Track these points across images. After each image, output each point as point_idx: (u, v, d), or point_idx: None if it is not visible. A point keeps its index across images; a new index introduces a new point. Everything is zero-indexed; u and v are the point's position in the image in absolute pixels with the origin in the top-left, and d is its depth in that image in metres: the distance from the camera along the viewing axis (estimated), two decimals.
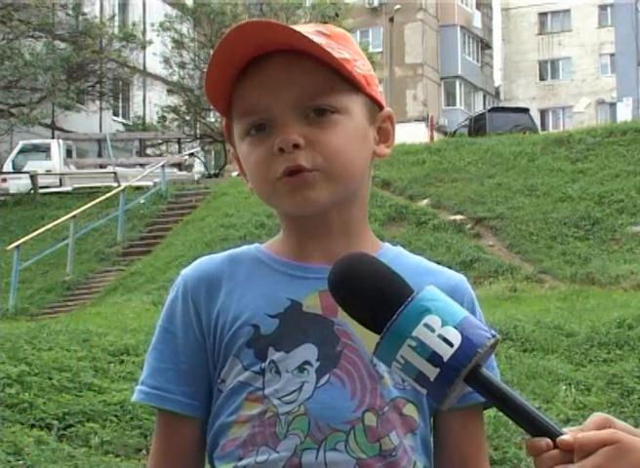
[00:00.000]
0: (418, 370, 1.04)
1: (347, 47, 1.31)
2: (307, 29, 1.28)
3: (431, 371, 1.04)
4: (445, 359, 1.03)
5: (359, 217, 1.35)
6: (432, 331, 1.04)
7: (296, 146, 1.24)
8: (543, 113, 52.22)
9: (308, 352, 1.28)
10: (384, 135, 1.35)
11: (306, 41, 1.22)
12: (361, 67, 1.31)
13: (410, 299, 1.06)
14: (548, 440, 1.04)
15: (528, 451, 1.06)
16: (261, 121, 1.27)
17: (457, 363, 1.03)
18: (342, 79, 1.27)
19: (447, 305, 1.07)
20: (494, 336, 1.06)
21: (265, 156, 1.27)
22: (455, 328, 1.05)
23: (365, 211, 1.37)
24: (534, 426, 1.05)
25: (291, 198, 1.27)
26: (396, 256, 1.37)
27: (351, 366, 1.28)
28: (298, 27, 1.27)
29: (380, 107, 1.34)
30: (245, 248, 1.39)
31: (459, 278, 1.39)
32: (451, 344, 1.04)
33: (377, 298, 1.07)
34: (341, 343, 1.28)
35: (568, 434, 1.04)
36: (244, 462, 1.27)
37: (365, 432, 1.26)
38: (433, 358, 1.04)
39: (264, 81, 1.26)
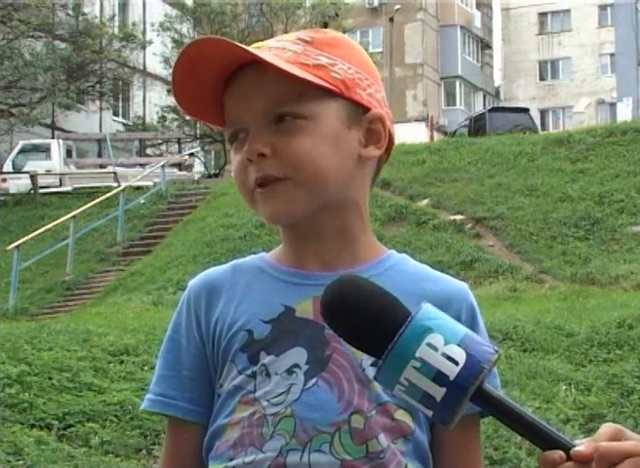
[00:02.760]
0: (423, 392, 1.02)
1: (330, 52, 1.31)
2: (289, 38, 1.32)
3: (438, 392, 1.02)
4: (451, 378, 1.01)
5: (356, 224, 1.35)
6: (436, 350, 1.02)
7: (262, 155, 1.27)
8: (543, 113, 52.23)
9: (298, 355, 1.29)
10: (375, 136, 1.34)
11: (256, 57, 1.24)
12: (340, 72, 1.30)
13: (409, 319, 1.03)
14: (561, 452, 1.02)
15: (540, 466, 1.04)
16: (238, 131, 1.31)
17: (463, 381, 1.01)
18: (312, 85, 1.28)
19: (447, 323, 1.05)
20: (496, 351, 1.05)
21: (240, 166, 1.31)
22: (458, 345, 1.03)
23: (363, 216, 1.37)
24: (544, 439, 1.03)
25: (264, 209, 1.30)
26: (397, 264, 1.37)
27: (340, 369, 1.29)
28: (282, 36, 1.32)
29: (367, 109, 1.33)
30: (249, 257, 1.43)
31: (459, 285, 1.38)
32: (456, 363, 1.01)
33: (371, 323, 1.06)
34: (331, 347, 1.29)
35: (581, 445, 1.02)
36: (234, 462, 1.29)
37: (351, 434, 1.26)
38: (439, 378, 1.01)
39: (238, 92, 1.30)
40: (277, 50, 1.30)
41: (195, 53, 1.26)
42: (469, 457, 1.36)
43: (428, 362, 1.02)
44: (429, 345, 1.02)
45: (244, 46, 1.25)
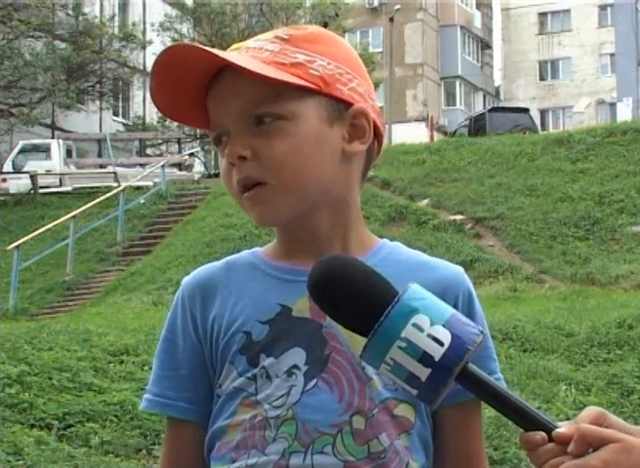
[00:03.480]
0: (408, 372, 1.03)
1: (308, 48, 1.30)
2: (266, 37, 1.31)
3: (423, 372, 1.03)
4: (436, 358, 1.02)
5: (347, 219, 1.34)
6: (421, 330, 1.03)
7: (243, 158, 1.26)
8: (543, 113, 52.22)
9: (297, 356, 1.29)
10: (359, 131, 1.32)
11: (228, 62, 1.24)
12: (319, 69, 1.29)
13: (396, 300, 1.04)
14: (543, 433, 1.04)
15: (522, 446, 1.06)
16: (221, 134, 1.31)
17: (448, 362, 1.02)
18: (290, 85, 1.26)
19: (434, 303, 1.06)
20: (482, 333, 1.06)
21: (225, 170, 1.30)
22: (443, 326, 1.03)
23: (354, 211, 1.35)
24: (527, 420, 1.05)
25: (251, 214, 1.30)
26: (390, 253, 1.37)
27: (339, 369, 1.29)
28: (260, 36, 1.31)
29: (350, 104, 1.32)
30: (243, 253, 1.42)
31: (455, 271, 1.37)
32: (441, 343, 1.02)
33: (358, 301, 1.06)
34: (330, 346, 1.29)
35: (563, 427, 1.04)
36: (236, 465, 1.29)
37: (352, 435, 1.26)
38: (424, 358, 1.02)
39: (218, 95, 1.30)
40: (255, 50, 1.28)
41: (171, 59, 1.25)
42: (471, 442, 1.37)
43: (414, 342, 1.03)
44: (415, 326, 1.03)
45: (214, 51, 1.24)
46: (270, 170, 1.26)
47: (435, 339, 1.03)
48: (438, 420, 1.35)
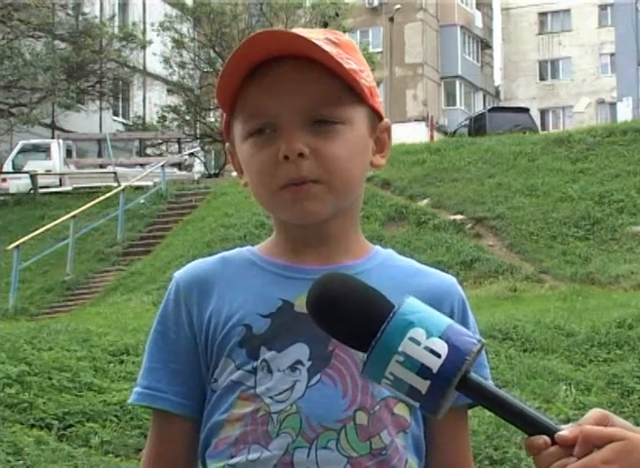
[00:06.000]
0: (408, 385, 1.04)
1: (354, 57, 1.32)
2: (317, 36, 1.30)
3: (422, 385, 1.04)
4: (434, 370, 1.03)
5: (352, 224, 1.38)
6: (418, 344, 1.04)
7: (300, 155, 1.26)
8: (543, 113, 52.21)
9: (300, 351, 1.29)
10: (380, 145, 1.37)
11: (321, 52, 1.24)
12: (367, 78, 1.32)
13: (392, 315, 1.05)
14: (546, 437, 1.04)
15: (527, 450, 1.06)
16: (266, 125, 1.28)
17: (446, 373, 1.03)
18: (349, 90, 1.29)
19: (429, 316, 1.06)
20: (479, 341, 1.06)
21: (269, 162, 1.28)
22: (440, 338, 1.04)
23: (357, 217, 1.40)
24: (529, 425, 1.05)
25: (291, 208, 1.29)
26: (386, 259, 1.39)
27: (342, 365, 1.29)
28: (309, 33, 1.28)
29: (380, 118, 1.36)
30: (237, 250, 1.42)
31: (449, 280, 1.40)
32: (438, 355, 1.03)
33: (357, 319, 1.07)
34: (333, 343, 1.29)
35: (565, 430, 1.04)
36: (235, 460, 1.28)
37: (356, 431, 1.27)
38: (422, 371, 1.03)
39: (273, 86, 1.27)
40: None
41: (250, 45, 1.24)
42: (459, 448, 1.38)
43: (412, 356, 1.03)
44: (412, 339, 1.04)
45: (310, 36, 1.24)
46: (327, 170, 1.27)
47: (432, 352, 1.04)
48: (429, 426, 1.36)
